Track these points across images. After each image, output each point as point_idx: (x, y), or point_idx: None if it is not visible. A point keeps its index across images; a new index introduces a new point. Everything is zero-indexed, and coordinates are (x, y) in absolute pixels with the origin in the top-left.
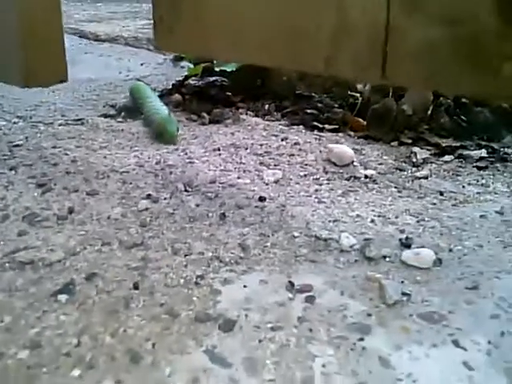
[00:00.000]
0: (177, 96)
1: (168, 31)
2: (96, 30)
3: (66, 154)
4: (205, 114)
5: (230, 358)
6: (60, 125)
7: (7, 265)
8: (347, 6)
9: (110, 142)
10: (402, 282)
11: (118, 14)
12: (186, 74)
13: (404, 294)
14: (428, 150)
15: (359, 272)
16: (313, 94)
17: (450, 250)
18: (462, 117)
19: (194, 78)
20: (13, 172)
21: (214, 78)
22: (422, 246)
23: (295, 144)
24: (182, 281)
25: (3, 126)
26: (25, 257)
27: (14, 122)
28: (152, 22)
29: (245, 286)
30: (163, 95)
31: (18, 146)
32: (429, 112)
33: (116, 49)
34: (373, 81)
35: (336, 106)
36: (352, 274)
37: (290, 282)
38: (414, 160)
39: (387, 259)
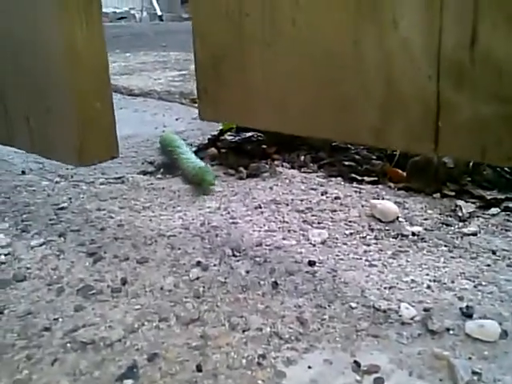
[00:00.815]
0: (213, 150)
1: (212, 102)
2: (129, 83)
3: (111, 217)
4: (242, 169)
5: None
6: (101, 184)
7: (69, 345)
8: (396, 79)
9: (153, 202)
10: (470, 358)
11: (147, 65)
12: (220, 128)
13: (474, 372)
14: (472, 203)
15: (424, 348)
16: (349, 146)
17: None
18: (506, 168)
19: (229, 133)
20: (62, 239)
21: (250, 134)
22: (485, 316)
23: (336, 198)
24: (243, 361)
25: (46, 186)
26: (85, 336)
27: (56, 182)
28: (196, 92)
29: (309, 367)
30: (200, 149)
31: (62, 208)
32: (471, 164)
33: (150, 103)
34: (426, 153)
35: (374, 157)
36: (417, 351)
37: (355, 361)
38: (460, 214)
39: (451, 332)
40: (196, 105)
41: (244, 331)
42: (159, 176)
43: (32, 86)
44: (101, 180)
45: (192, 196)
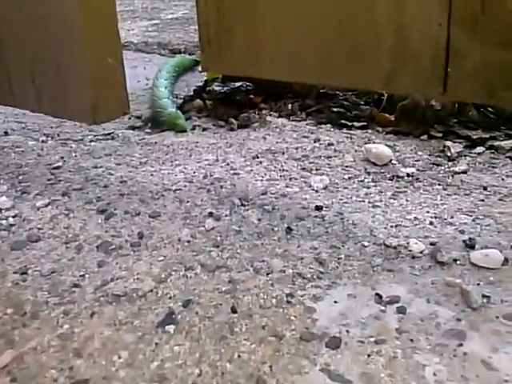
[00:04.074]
0: (198, 101)
1: (217, 53)
2: None
3: (111, 174)
4: (232, 120)
5: (348, 375)
6: (91, 141)
7: (102, 299)
8: (407, 25)
9: (148, 157)
10: (478, 284)
11: None
12: (205, 78)
13: (484, 296)
14: (459, 143)
15: (436, 278)
16: (337, 92)
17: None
18: (489, 109)
19: (216, 83)
20: (66, 198)
21: (238, 84)
22: (486, 246)
23: (329, 145)
24: (274, 301)
25: (34, 146)
26: (117, 289)
27: (43, 141)
28: (198, 42)
29: (335, 302)
30: (185, 101)
31: (57, 168)
32: (456, 105)
33: (128, 55)
34: (434, 98)
35: (361, 103)
36: (430, 281)
37: (377, 294)
38: (449, 154)
39: (458, 262)
40: (176, 55)
41: (268, 274)
42: (148, 130)
43: (39, 38)
44: (90, 137)
45: (187, 149)
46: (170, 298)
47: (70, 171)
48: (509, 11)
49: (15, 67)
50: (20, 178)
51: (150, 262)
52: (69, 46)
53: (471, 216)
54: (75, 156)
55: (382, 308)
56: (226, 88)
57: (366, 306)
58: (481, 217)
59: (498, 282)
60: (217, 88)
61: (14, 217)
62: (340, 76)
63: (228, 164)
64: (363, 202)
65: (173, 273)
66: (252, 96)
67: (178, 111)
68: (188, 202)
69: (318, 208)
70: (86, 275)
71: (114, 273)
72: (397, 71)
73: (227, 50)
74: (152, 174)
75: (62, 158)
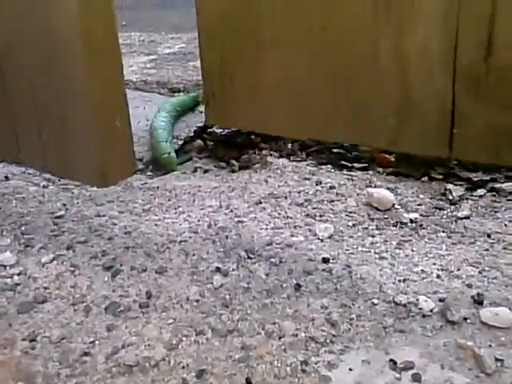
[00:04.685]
0: (199, 142)
1: (221, 107)
2: None
3: (115, 224)
4: (234, 162)
5: None
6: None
7: (114, 369)
8: (412, 87)
9: (152, 203)
10: (490, 345)
11: None
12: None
13: (497, 359)
14: (460, 185)
15: (448, 339)
16: None
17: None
18: None
19: (217, 125)
20: (71, 252)
21: None
22: (494, 302)
23: (331, 188)
24: (288, 369)
25: (35, 192)
26: (128, 358)
27: (44, 186)
28: (203, 97)
29: (350, 370)
30: (186, 142)
31: (60, 217)
32: None
33: (128, 95)
34: (440, 156)
35: None
36: (442, 342)
37: (391, 360)
38: (451, 197)
39: (468, 321)
40: (176, 94)
41: (280, 338)
42: (150, 173)
43: (48, 92)
44: None
45: (190, 194)
46: (183, 367)
47: (72, 220)
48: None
49: (23, 119)
50: (23, 228)
51: (159, 325)
52: (77, 107)
53: (477, 268)
54: (77, 203)
55: (397, 375)
56: (226, 130)
57: (380, 373)
58: (487, 268)
59: (510, 344)
60: (217, 130)
61: (18, 274)
62: (344, 133)
63: (232, 211)
64: (369, 252)
65: (184, 338)
66: (252, 136)
67: (174, 155)
68: (194, 255)
69: (325, 260)
70: (96, 341)
71: (125, 338)
72: (402, 132)
73: (231, 104)
74: (156, 224)
75: (65, 205)
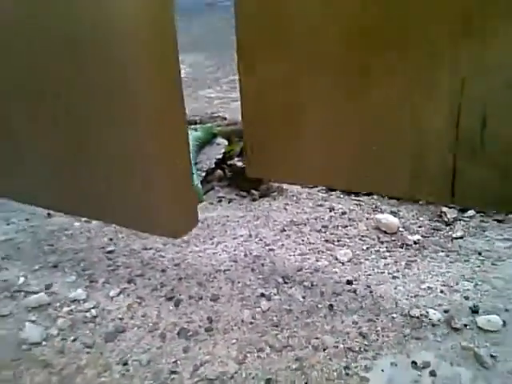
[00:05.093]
0: (219, 172)
1: (259, 160)
2: None
3: (163, 256)
4: (254, 191)
5: None
6: None
7: (200, 383)
8: (423, 151)
9: (189, 235)
10: (486, 346)
11: None
12: (223, 151)
13: (492, 356)
14: (453, 207)
15: (454, 342)
16: None
17: (507, 310)
18: None
19: (237, 158)
20: (133, 285)
21: None
22: (487, 311)
23: (343, 214)
24: (335, 374)
25: (81, 227)
26: (209, 373)
27: (86, 221)
28: (244, 149)
29: (382, 371)
30: (208, 173)
31: (111, 252)
32: None
33: None
34: (445, 203)
35: None
36: (450, 345)
37: (413, 361)
38: (446, 219)
39: (468, 327)
40: (193, 126)
41: (324, 350)
42: None
43: (111, 138)
44: None
45: (221, 224)
46: (253, 378)
47: (124, 255)
48: (501, 141)
49: (92, 171)
50: (81, 265)
51: (226, 345)
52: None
53: (472, 282)
54: (123, 237)
55: (419, 373)
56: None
57: (406, 372)
58: (479, 283)
59: (501, 343)
60: (238, 163)
61: (93, 308)
62: (369, 183)
63: (261, 239)
64: (384, 273)
65: (248, 354)
66: None
67: (200, 186)
68: (239, 282)
69: (349, 282)
70: (178, 361)
71: (200, 358)
72: (416, 180)
73: (268, 158)
74: (200, 256)
75: (111, 239)
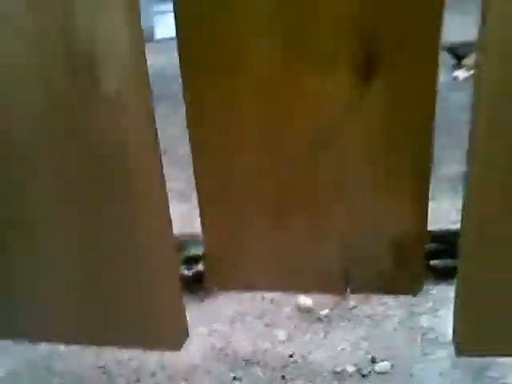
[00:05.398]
0: None
1: (215, 272)
2: None
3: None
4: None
5: None
6: None
7: None
8: None
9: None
10: None
11: None
12: None
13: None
14: None
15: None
16: None
17: (393, 357)
18: None
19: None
20: None
21: None
22: (381, 359)
23: (271, 301)
24: None
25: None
26: None
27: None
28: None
29: None
30: None
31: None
32: None
33: None
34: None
35: None
36: None
37: None
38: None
39: (370, 373)
40: None
41: None
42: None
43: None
44: None
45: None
46: None
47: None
48: None
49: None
50: None
51: None
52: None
53: (367, 340)
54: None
55: None
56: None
57: None
58: (373, 339)
59: (391, 380)
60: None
61: None
62: (311, 285)
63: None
64: (311, 344)
65: None
66: None
67: None
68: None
69: (291, 355)
70: None
71: None
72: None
73: (222, 270)
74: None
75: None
